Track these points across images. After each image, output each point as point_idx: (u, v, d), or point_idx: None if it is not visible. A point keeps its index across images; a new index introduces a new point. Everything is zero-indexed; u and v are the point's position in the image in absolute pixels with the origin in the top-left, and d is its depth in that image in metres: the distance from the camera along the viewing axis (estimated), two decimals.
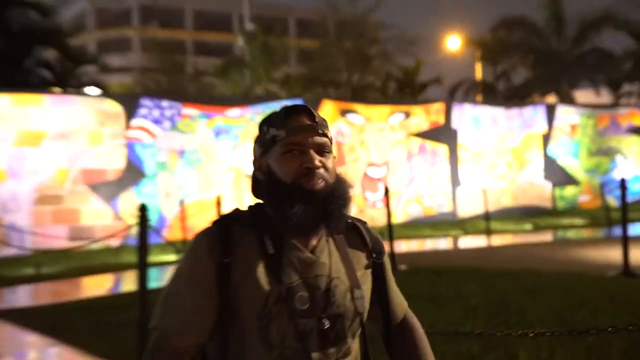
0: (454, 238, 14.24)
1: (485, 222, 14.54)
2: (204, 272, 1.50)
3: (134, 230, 12.65)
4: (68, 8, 56.69)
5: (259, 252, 1.51)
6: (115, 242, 13.28)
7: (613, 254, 9.46)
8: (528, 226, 15.86)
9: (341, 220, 1.57)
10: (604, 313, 5.65)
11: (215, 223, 1.56)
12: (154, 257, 9.36)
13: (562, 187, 20.00)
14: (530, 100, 24.36)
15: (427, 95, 31.44)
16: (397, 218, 17.16)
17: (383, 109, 17.55)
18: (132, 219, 13.75)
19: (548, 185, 19.82)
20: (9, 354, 5.32)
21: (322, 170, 1.54)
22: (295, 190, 1.51)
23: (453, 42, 31.34)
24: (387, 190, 9.38)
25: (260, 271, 1.49)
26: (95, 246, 12.66)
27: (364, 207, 16.89)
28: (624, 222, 8.28)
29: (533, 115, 19.73)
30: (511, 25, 25.06)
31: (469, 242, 13.50)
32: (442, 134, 18.12)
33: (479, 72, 29.19)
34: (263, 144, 1.60)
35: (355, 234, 1.65)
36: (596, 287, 7.14)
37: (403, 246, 12.51)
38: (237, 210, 1.61)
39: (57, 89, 18.42)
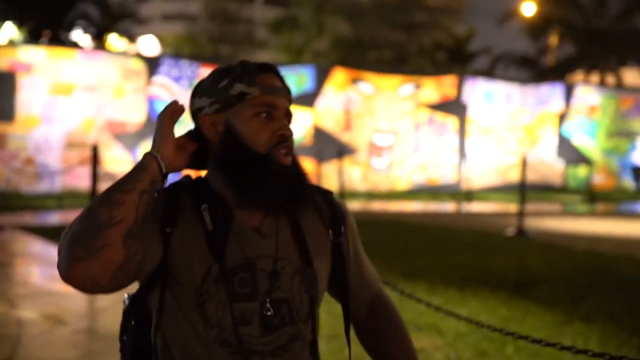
0: (436, 204, 17.11)
1: (467, 193, 17.44)
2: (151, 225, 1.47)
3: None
4: None
5: (201, 226, 1.50)
6: None
7: (548, 224, 12.19)
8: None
9: (309, 198, 1.57)
10: (473, 263, 8.51)
11: (164, 190, 1.53)
12: None
13: (574, 167, 22.34)
14: (572, 77, 26.57)
15: (476, 66, 33.68)
16: (401, 185, 20.08)
17: (394, 79, 20.32)
18: None
19: (560, 163, 22.20)
20: (22, 248, 8.75)
21: (291, 141, 1.54)
22: (268, 162, 1.49)
23: (528, 9, 33.32)
24: (340, 153, 12.30)
25: (201, 247, 1.48)
26: None
27: (368, 174, 19.83)
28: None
29: (550, 94, 22.09)
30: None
31: (444, 207, 16.41)
32: (453, 107, 20.76)
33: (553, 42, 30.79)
34: (223, 99, 1.52)
35: (313, 207, 1.61)
36: (490, 244, 9.74)
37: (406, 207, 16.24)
38: (187, 177, 1.59)
39: (88, 45, 22.05)
